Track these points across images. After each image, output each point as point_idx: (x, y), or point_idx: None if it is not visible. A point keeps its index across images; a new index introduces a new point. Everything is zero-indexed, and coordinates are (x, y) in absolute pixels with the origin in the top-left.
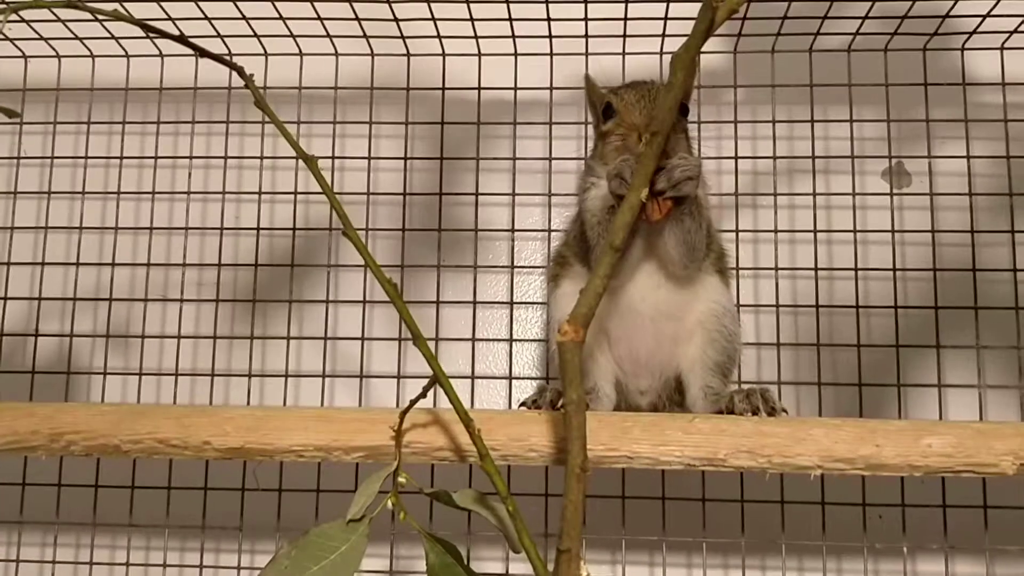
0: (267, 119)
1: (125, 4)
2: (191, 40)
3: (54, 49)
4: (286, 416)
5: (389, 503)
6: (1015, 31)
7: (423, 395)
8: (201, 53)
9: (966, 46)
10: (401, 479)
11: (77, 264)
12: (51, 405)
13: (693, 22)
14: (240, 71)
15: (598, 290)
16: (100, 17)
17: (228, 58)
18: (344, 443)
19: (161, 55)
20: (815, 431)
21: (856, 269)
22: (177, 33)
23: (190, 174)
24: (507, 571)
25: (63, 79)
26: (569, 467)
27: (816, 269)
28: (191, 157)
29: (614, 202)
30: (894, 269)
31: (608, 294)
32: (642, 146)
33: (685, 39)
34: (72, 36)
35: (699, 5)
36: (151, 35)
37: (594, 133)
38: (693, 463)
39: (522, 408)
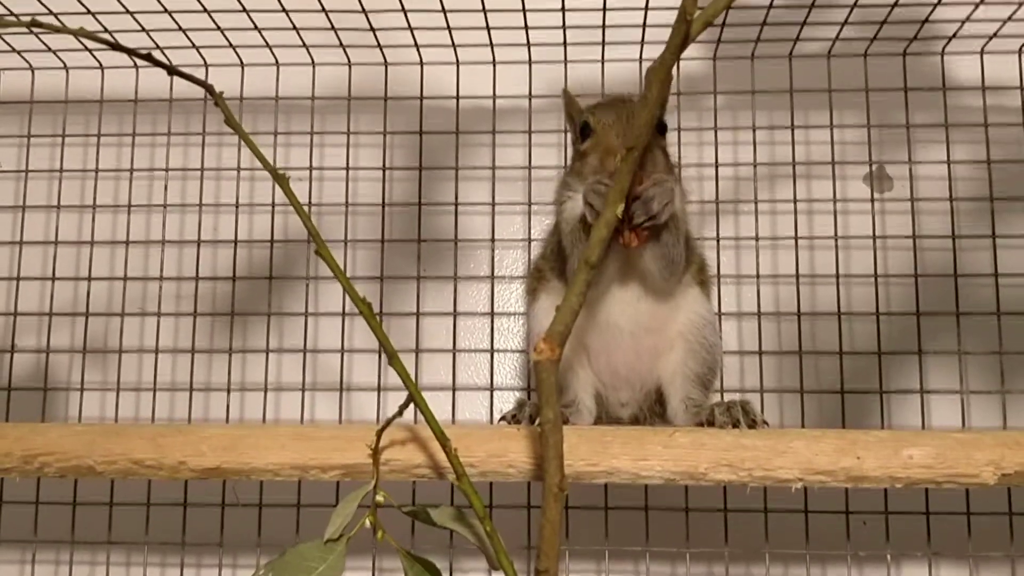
0: (244, 131)
1: (99, 16)
2: (164, 51)
3: (27, 62)
4: (262, 434)
5: (368, 522)
6: (994, 35)
7: (399, 414)
8: (172, 72)
9: (946, 51)
10: (379, 497)
11: (53, 279)
12: (24, 426)
13: (670, 32)
14: (210, 89)
15: (574, 307)
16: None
17: (204, 69)
18: (321, 461)
19: (136, 67)
20: (795, 443)
21: (837, 276)
22: (152, 45)
23: (166, 186)
24: None
25: (37, 91)
26: (547, 486)
27: (797, 276)
28: (167, 169)
29: (590, 220)
30: (875, 275)
31: (587, 308)
32: (618, 161)
33: (661, 51)
34: (46, 48)
35: (676, 13)
36: (123, 51)
37: (572, 148)
38: (673, 477)
39: (502, 423)
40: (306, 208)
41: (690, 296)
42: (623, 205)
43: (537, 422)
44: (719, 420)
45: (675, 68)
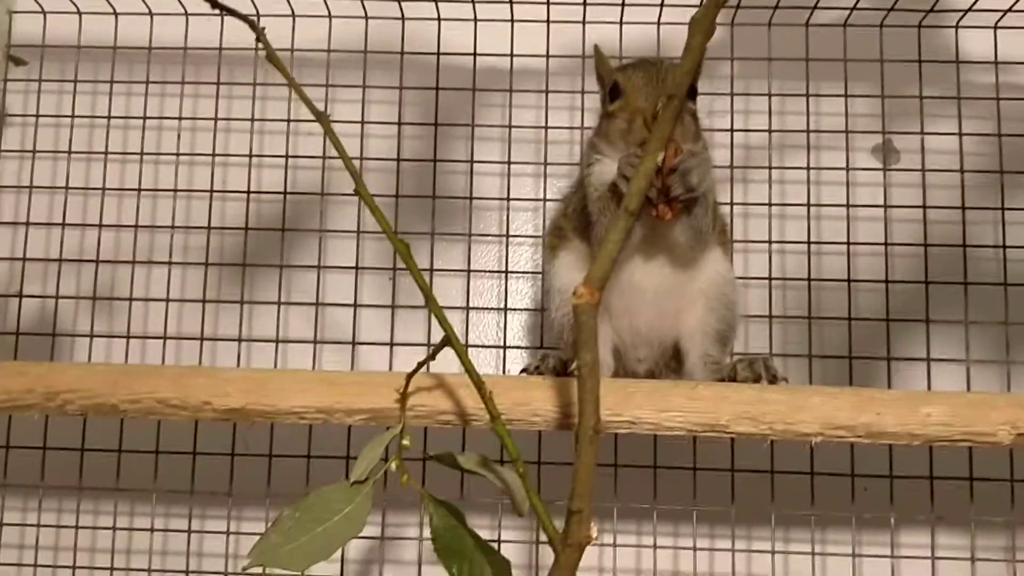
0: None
1: None
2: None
3: (40, 5)
4: (287, 378)
5: (393, 465)
6: (1009, 10)
7: (432, 357)
8: (224, 9)
9: (960, 24)
10: (405, 442)
11: (63, 225)
12: (44, 364)
13: None
14: (254, 25)
15: (612, 254)
16: None
17: (220, 17)
18: (346, 405)
19: (151, 13)
20: (815, 399)
21: (848, 243)
22: None
23: (179, 136)
24: (499, 537)
25: (48, 36)
26: (582, 429)
27: (808, 243)
28: (179, 118)
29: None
30: (886, 244)
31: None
32: (659, 109)
33: (680, 14)
34: None
35: None
36: None
37: (600, 108)
38: (695, 429)
39: (523, 374)
40: (318, 164)
41: (712, 257)
42: (663, 154)
43: (571, 369)
44: (741, 375)
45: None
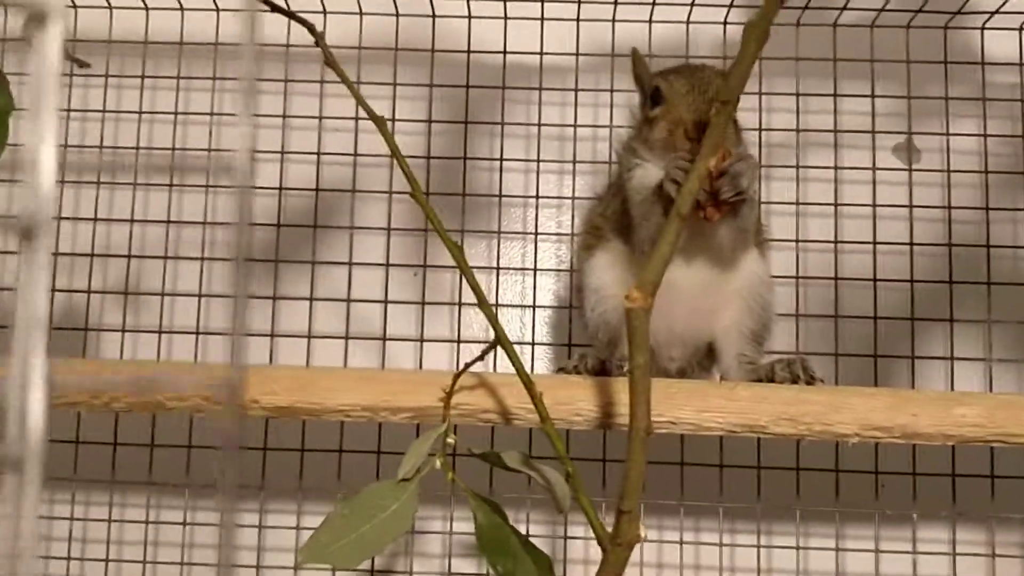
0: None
1: None
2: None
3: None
4: (334, 376)
5: (438, 463)
6: None
7: (481, 358)
8: (277, 9)
9: (985, 26)
10: (450, 440)
11: (95, 219)
12: (94, 362)
13: None
14: (311, 28)
15: (665, 257)
16: None
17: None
18: (392, 404)
19: (182, 8)
20: (853, 400)
21: (875, 243)
22: None
23: (210, 131)
24: (527, 533)
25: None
26: (634, 430)
27: (836, 242)
28: (211, 113)
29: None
30: (911, 244)
31: None
32: (712, 113)
33: (709, 13)
34: None
35: None
36: None
37: (639, 111)
38: (735, 430)
39: (561, 373)
40: (348, 159)
41: (749, 257)
42: (716, 159)
43: (626, 368)
44: (779, 375)
45: (722, 31)
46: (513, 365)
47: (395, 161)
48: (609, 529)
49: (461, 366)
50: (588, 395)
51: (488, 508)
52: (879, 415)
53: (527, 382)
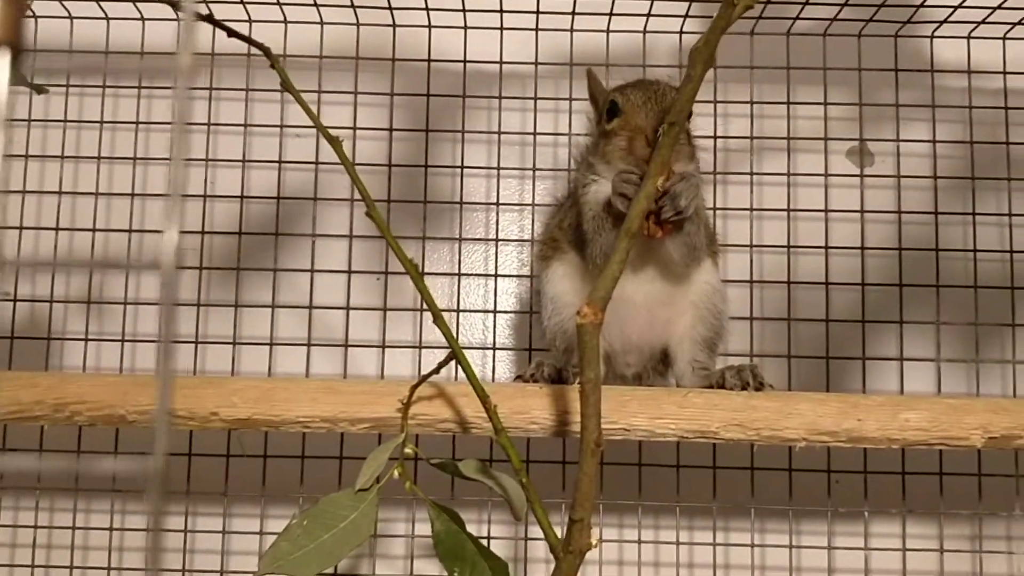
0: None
1: None
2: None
3: (68, 11)
4: (293, 387)
5: (396, 473)
6: (982, 22)
7: (437, 371)
8: (231, 33)
9: (935, 34)
10: (408, 451)
11: (56, 229)
12: (55, 375)
13: (679, 4)
14: (268, 52)
15: (615, 274)
16: None
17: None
18: (351, 415)
19: (143, 19)
20: (802, 405)
21: (827, 247)
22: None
23: (170, 138)
24: (488, 534)
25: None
26: (585, 442)
27: (789, 247)
28: (170, 123)
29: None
30: (863, 248)
31: None
32: (651, 131)
33: (666, 23)
34: None
35: None
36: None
37: (594, 128)
38: (687, 436)
39: (518, 381)
40: (310, 167)
41: (703, 267)
42: (664, 178)
43: (578, 381)
44: (730, 382)
45: (678, 41)
46: (469, 379)
47: (388, 169)
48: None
49: (424, 371)
50: (544, 404)
51: (446, 516)
52: (826, 420)
53: (481, 395)
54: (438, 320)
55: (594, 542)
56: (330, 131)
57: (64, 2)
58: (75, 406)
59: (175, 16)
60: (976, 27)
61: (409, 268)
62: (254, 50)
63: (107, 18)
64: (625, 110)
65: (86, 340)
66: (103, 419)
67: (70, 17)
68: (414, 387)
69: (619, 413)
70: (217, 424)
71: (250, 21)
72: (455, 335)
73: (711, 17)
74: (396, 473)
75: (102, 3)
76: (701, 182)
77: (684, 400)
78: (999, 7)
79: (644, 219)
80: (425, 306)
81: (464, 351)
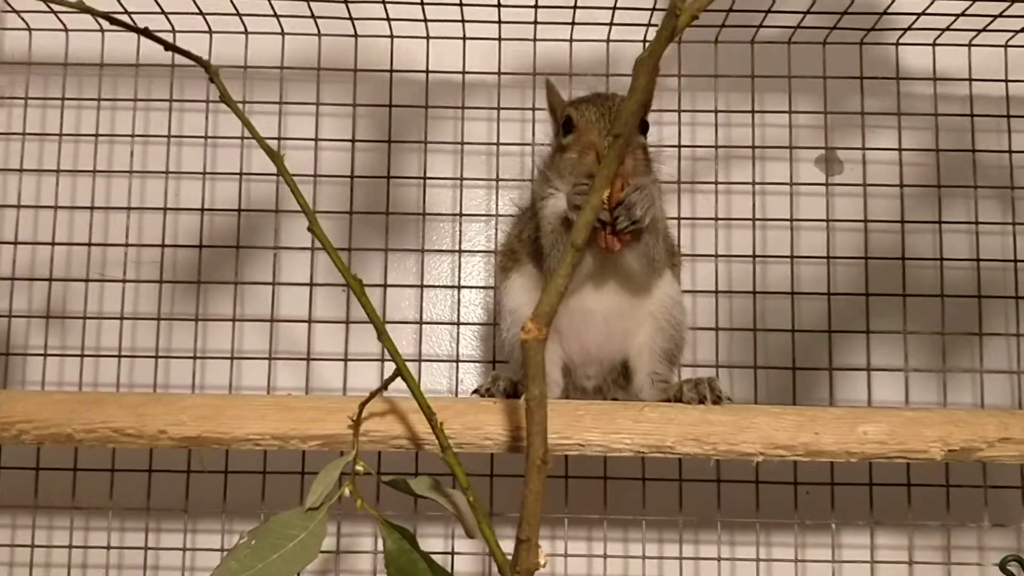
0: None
1: None
2: (132, 15)
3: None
4: (243, 404)
5: (347, 491)
6: (947, 28)
7: (384, 388)
8: (169, 47)
9: (900, 41)
10: (359, 468)
11: (16, 243)
12: (1, 393)
13: (642, 13)
14: (207, 66)
15: (560, 289)
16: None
17: (172, 33)
18: (301, 432)
19: (102, 30)
20: (758, 419)
21: (792, 257)
22: (120, 9)
23: (132, 152)
24: (452, 548)
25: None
26: (530, 459)
27: (754, 257)
28: (132, 136)
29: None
30: (828, 257)
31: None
32: (604, 148)
33: (629, 31)
34: (9, 9)
35: None
36: (95, 15)
37: (552, 140)
38: (642, 450)
39: (475, 396)
40: (272, 179)
41: (662, 279)
42: (608, 191)
43: (523, 398)
44: (687, 396)
45: (643, 49)
46: (414, 395)
47: (351, 180)
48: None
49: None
50: (497, 419)
51: (397, 534)
52: (783, 434)
53: (428, 412)
54: (382, 337)
55: (543, 561)
56: (293, 141)
57: (22, 14)
58: (21, 425)
59: (97, 28)
60: (941, 34)
61: (351, 283)
62: (215, 61)
63: (66, 30)
64: (579, 125)
65: (45, 356)
66: (50, 438)
67: (28, 29)
68: (363, 404)
69: (573, 428)
70: (167, 442)
71: (210, 32)
72: (419, 348)
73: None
74: (347, 491)
75: (59, 15)
76: (660, 192)
77: (639, 415)
78: (963, 14)
79: (601, 231)
80: (391, 316)
81: (429, 363)
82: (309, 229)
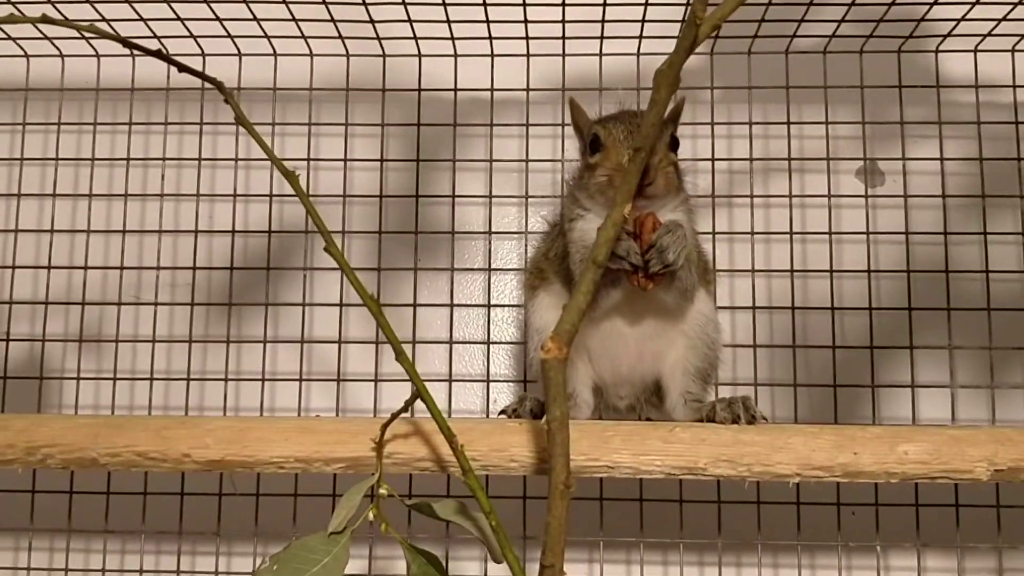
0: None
1: (96, 4)
2: (161, 40)
3: (23, 49)
4: (266, 427)
5: (371, 515)
6: (989, 34)
7: (404, 410)
8: (182, 68)
9: (940, 48)
10: (382, 491)
11: (49, 267)
12: (27, 417)
13: (671, 25)
14: (220, 87)
15: (581, 306)
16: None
17: (201, 58)
18: (325, 455)
19: (132, 55)
20: (794, 439)
21: (831, 270)
22: (149, 34)
23: (163, 175)
24: (485, 572)
25: (32, 79)
26: (553, 484)
27: (792, 271)
28: (164, 159)
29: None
30: (868, 270)
31: (592, 321)
32: (626, 161)
33: (659, 45)
34: (42, 36)
35: (677, 7)
36: (123, 43)
37: (580, 159)
38: (673, 472)
39: (502, 416)
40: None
41: (696, 298)
42: (630, 205)
43: (544, 419)
44: (720, 416)
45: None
46: (434, 417)
47: (380, 200)
48: None
49: (420, 408)
50: (523, 441)
51: (422, 558)
52: (820, 455)
53: (448, 433)
54: (399, 357)
55: None
56: (324, 162)
57: (54, 41)
58: (46, 449)
59: (128, 53)
60: (983, 40)
61: (368, 302)
62: (244, 83)
63: (62, 56)
64: (607, 144)
65: (78, 379)
66: (75, 462)
67: (61, 56)
68: (384, 425)
69: (601, 450)
70: (191, 466)
71: (239, 55)
72: (449, 368)
73: (707, 38)
74: (371, 515)
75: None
76: (692, 214)
77: (670, 435)
78: (1005, 19)
79: (634, 275)
80: (422, 335)
81: (461, 383)
82: (326, 250)
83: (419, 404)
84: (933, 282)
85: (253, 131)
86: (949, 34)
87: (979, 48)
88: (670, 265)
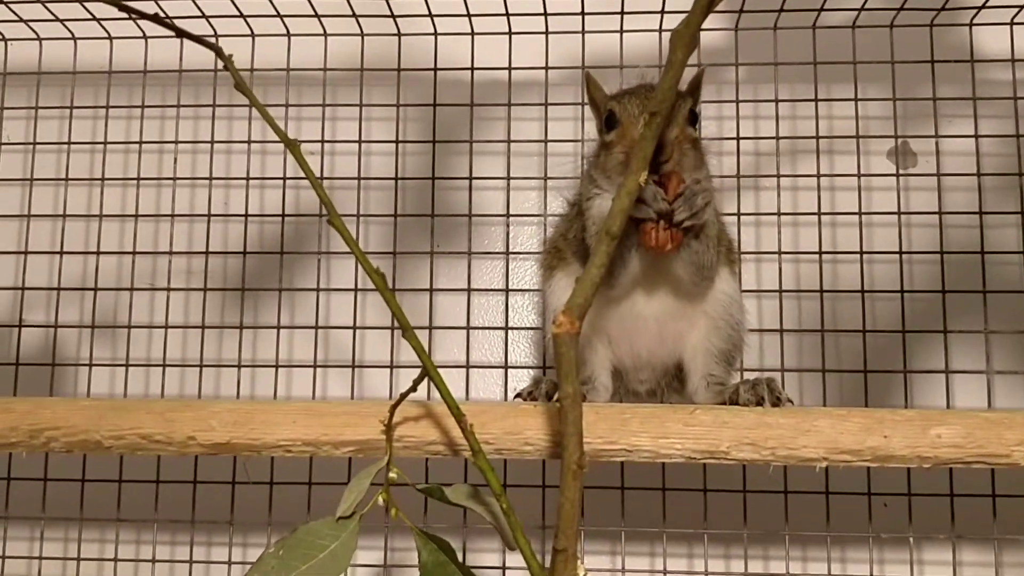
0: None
1: None
2: (173, 21)
3: (35, 32)
4: (273, 410)
5: (380, 499)
6: None
7: (413, 389)
8: (181, 34)
9: (974, 21)
10: (392, 474)
11: (61, 252)
12: (30, 400)
13: None
14: (219, 52)
15: (595, 280)
16: None
17: (214, 39)
18: (333, 437)
19: (145, 37)
20: (820, 422)
21: (861, 252)
22: (161, 14)
23: (176, 159)
24: (504, 563)
25: (45, 63)
26: (565, 464)
27: (820, 253)
28: (177, 142)
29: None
30: (900, 252)
31: (611, 301)
32: (641, 127)
33: (685, 15)
34: (53, 18)
35: None
36: (132, 16)
37: (597, 136)
38: (694, 456)
39: (517, 400)
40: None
41: (719, 277)
42: (646, 174)
43: (556, 398)
44: (743, 397)
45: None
46: (443, 397)
47: (396, 183)
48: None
49: (433, 388)
50: (538, 424)
51: (433, 545)
52: (848, 438)
53: (457, 414)
54: (408, 334)
55: (581, 573)
56: (340, 144)
57: (31, 24)
58: (50, 432)
59: (141, 34)
60: (1019, 11)
61: (373, 277)
62: (258, 64)
63: (74, 38)
64: (623, 120)
65: (91, 366)
66: (79, 445)
67: (73, 38)
68: (393, 407)
69: (619, 432)
70: (196, 449)
71: (253, 35)
72: (467, 353)
73: (730, 12)
74: (380, 500)
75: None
76: (715, 192)
77: (690, 417)
78: None
79: (654, 228)
80: (439, 321)
81: (479, 369)
82: (330, 223)
83: (436, 393)
84: (967, 265)
85: (254, 98)
86: (984, 6)
87: (1015, 21)
88: (696, 214)
